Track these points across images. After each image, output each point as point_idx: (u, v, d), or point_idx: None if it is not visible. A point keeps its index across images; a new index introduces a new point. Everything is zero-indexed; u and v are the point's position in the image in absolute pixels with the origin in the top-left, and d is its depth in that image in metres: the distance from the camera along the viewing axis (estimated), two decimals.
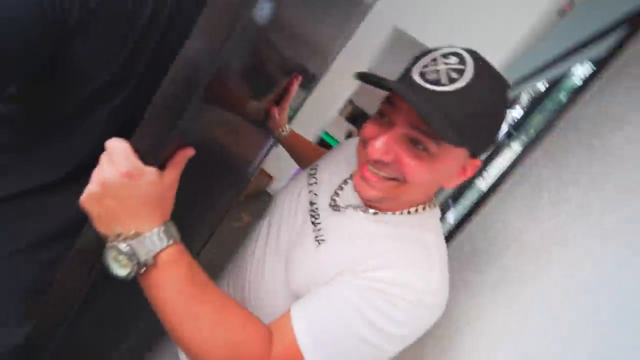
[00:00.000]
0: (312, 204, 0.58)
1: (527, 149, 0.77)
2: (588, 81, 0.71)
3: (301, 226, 0.56)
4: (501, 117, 0.45)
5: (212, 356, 0.41)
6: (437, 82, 0.41)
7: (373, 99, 5.35)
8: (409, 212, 0.51)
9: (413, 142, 0.44)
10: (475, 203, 0.97)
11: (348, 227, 0.52)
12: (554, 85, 1.34)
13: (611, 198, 0.49)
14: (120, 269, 0.38)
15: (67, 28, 0.39)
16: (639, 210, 0.43)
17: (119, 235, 0.38)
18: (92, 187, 0.39)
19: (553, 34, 1.86)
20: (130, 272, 0.38)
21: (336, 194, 0.57)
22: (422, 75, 0.42)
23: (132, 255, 0.38)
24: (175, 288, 0.40)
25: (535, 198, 0.70)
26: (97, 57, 0.42)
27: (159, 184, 0.40)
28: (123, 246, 0.38)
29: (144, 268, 0.38)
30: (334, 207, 0.55)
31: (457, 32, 2.70)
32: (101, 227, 0.39)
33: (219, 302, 0.43)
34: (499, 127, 0.45)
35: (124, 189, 0.38)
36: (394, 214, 0.51)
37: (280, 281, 0.53)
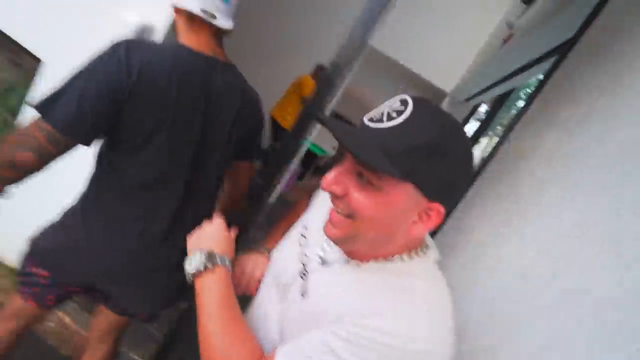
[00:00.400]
0: (303, 264, 0.62)
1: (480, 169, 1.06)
2: (519, 115, 1.00)
3: (292, 279, 0.61)
4: (452, 156, 0.44)
5: (214, 351, 0.51)
6: (378, 121, 0.46)
7: (355, 107, 5.61)
8: (392, 260, 0.51)
9: (359, 176, 0.47)
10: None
11: (330, 280, 0.55)
12: (500, 103, 1.64)
13: (527, 209, 0.76)
14: (190, 267, 0.59)
15: (124, 95, 0.75)
16: (543, 213, 0.70)
17: (200, 250, 0.62)
18: (199, 231, 0.67)
19: (502, 52, 2.19)
20: (197, 270, 0.58)
21: (323, 250, 0.60)
22: (370, 118, 0.47)
23: (204, 259, 0.59)
24: (215, 294, 0.56)
25: (486, 209, 0.97)
26: (147, 109, 0.78)
27: (230, 237, 0.67)
28: (201, 255, 0.60)
29: (204, 270, 0.58)
30: (322, 263, 0.58)
31: (426, 49, 3.18)
32: (190, 245, 0.65)
33: (236, 318, 0.55)
34: (453, 167, 0.45)
35: (216, 234, 0.65)
36: (377, 262, 0.52)
37: (276, 331, 0.59)
